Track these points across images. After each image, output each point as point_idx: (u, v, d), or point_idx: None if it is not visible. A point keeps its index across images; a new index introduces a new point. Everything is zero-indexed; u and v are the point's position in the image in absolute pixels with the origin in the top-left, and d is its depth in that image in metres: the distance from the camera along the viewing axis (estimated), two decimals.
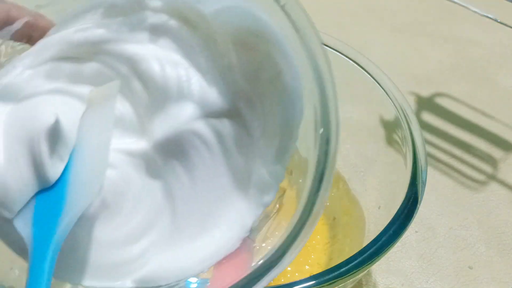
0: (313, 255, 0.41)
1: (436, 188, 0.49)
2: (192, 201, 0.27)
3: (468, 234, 0.45)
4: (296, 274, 0.40)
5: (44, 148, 0.24)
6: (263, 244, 0.27)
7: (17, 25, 0.26)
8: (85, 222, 0.26)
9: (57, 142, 0.24)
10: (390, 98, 0.37)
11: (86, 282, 0.27)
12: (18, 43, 0.27)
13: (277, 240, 0.24)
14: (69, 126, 0.24)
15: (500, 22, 0.69)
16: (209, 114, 0.26)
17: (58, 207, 0.23)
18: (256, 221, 0.28)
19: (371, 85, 0.39)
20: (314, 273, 0.29)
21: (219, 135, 0.27)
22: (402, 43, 0.65)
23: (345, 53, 0.40)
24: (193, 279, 0.28)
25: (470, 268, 0.43)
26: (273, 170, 0.27)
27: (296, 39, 0.24)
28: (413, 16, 0.70)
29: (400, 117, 0.36)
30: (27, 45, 0.28)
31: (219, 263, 0.27)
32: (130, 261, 0.27)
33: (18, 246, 0.25)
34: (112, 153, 0.27)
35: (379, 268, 0.42)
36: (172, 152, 0.27)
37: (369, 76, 0.39)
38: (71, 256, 0.26)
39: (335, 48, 0.40)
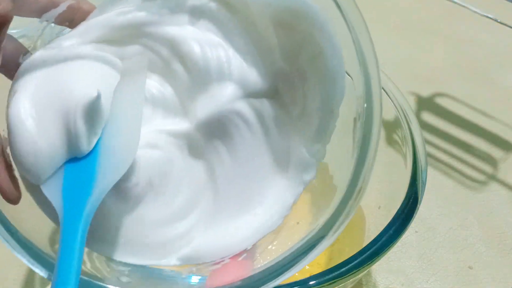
0: None
1: (436, 188, 0.49)
2: (234, 180, 0.28)
3: (468, 234, 0.45)
4: (296, 274, 0.40)
5: (80, 121, 0.23)
6: (270, 246, 0.28)
7: (61, 8, 0.26)
8: (131, 202, 0.26)
9: (94, 118, 0.24)
10: (390, 98, 0.37)
11: (134, 260, 0.27)
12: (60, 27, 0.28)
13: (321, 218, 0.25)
14: (106, 99, 0.24)
15: (500, 22, 0.69)
16: (250, 94, 0.27)
17: (89, 178, 0.23)
18: (297, 199, 0.28)
19: None
20: (314, 273, 0.29)
21: (259, 115, 0.27)
22: (402, 43, 0.65)
23: None
24: (195, 278, 0.28)
25: (470, 268, 0.43)
26: (313, 149, 0.28)
27: (338, 17, 0.24)
28: (414, 16, 0.70)
29: (400, 117, 0.36)
30: (68, 29, 0.28)
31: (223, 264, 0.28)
32: (175, 239, 0.27)
33: (50, 212, 0.25)
34: (155, 134, 0.27)
35: (379, 268, 0.42)
36: (214, 131, 0.27)
37: None
38: (119, 236, 0.27)
39: None
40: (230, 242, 0.28)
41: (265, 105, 0.27)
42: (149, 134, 0.27)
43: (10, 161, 0.25)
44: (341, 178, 0.25)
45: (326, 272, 0.28)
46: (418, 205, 0.32)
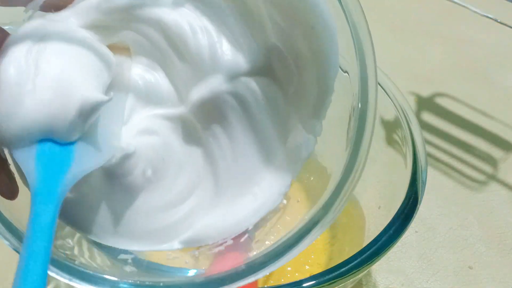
0: (313, 255, 0.41)
1: (436, 188, 0.49)
2: (233, 161, 0.28)
3: (468, 234, 0.45)
4: (296, 274, 0.40)
5: (76, 117, 0.23)
6: (267, 242, 0.28)
7: None
8: (132, 190, 0.27)
9: (90, 118, 0.23)
10: (390, 98, 0.37)
11: (136, 247, 0.27)
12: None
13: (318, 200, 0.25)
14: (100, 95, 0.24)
15: (500, 22, 0.69)
16: (243, 73, 0.27)
17: (64, 162, 0.23)
18: (296, 176, 0.28)
19: None
20: (314, 273, 0.29)
21: (254, 94, 0.27)
22: (402, 43, 0.65)
23: None
24: (192, 271, 0.28)
25: (470, 268, 0.43)
26: (309, 125, 0.28)
27: (336, 7, 0.24)
28: (413, 16, 0.70)
29: (400, 117, 0.36)
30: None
31: (219, 256, 0.28)
32: (176, 223, 0.28)
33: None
34: (151, 119, 0.27)
35: (379, 268, 0.42)
36: (209, 114, 0.27)
37: None
38: (121, 224, 0.27)
39: None
40: (231, 222, 0.28)
41: (260, 84, 0.27)
42: (145, 120, 0.27)
43: (4, 156, 0.25)
44: (335, 169, 0.25)
45: (326, 272, 0.28)
46: (418, 205, 0.32)
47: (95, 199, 0.27)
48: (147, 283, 0.25)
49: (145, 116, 0.27)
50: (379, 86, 0.38)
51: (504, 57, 0.64)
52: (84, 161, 0.24)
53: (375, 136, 0.39)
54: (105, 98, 0.23)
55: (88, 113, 0.23)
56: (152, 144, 0.27)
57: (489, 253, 0.44)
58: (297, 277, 0.39)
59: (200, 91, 0.27)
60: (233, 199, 0.28)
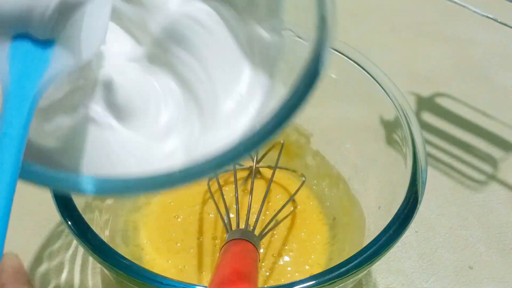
0: (313, 255, 0.41)
1: (436, 188, 0.49)
2: (208, 80, 0.28)
3: (468, 234, 0.45)
4: (296, 274, 0.40)
5: (53, 12, 0.21)
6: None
7: None
8: (114, 129, 0.26)
9: (68, 12, 0.21)
10: (390, 98, 0.37)
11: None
12: None
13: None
14: None
15: (500, 22, 0.69)
16: None
17: (43, 58, 0.21)
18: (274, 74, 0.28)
19: (371, 85, 0.39)
20: (314, 273, 0.29)
21: (210, 13, 0.27)
22: (402, 43, 0.65)
23: (345, 53, 0.40)
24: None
25: (470, 268, 0.43)
26: (269, 26, 0.28)
27: None
28: (413, 16, 0.70)
29: (400, 117, 0.36)
30: None
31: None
32: (162, 158, 0.27)
33: None
34: (118, 61, 0.27)
35: (379, 268, 0.42)
36: (173, 42, 0.27)
37: (369, 76, 0.39)
38: (105, 165, 0.25)
39: (335, 48, 0.40)
40: (229, 134, 0.27)
41: (212, 5, 0.27)
42: (112, 64, 0.27)
43: None
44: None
45: (326, 272, 0.28)
46: (418, 205, 0.32)
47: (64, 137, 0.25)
48: None
49: (112, 61, 0.27)
50: (379, 86, 0.38)
51: (504, 57, 0.64)
52: (62, 61, 0.22)
53: (375, 136, 0.39)
54: None
55: (71, 5, 0.21)
56: (121, 84, 0.26)
57: (489, 253, 0.44)
58: (297, 277, 0.39)
59: (158, 22, 0.27)
60: (221, 114, 0.28)
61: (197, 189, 0.45)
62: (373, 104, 0.40)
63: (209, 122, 0.28)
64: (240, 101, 0.28)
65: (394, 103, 0.37)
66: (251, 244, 0.32)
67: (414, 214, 0.31)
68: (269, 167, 0.47)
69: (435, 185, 0.49)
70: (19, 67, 0.20)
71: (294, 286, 0.28)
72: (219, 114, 0.28)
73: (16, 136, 0.19)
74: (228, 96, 0.28)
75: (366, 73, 0.39)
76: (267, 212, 0.44)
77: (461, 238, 0.45)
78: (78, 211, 0.30)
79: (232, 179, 0.46)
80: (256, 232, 0.36)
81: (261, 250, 0.41)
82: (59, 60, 0.22)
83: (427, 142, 0.52)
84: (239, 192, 0.44)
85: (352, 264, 0.29)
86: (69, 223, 0.30)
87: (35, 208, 0.44)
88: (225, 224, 0.39)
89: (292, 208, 0.44)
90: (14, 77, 0.20)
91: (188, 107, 0.28)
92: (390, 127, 0.38)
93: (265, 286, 0.38)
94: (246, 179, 0.46)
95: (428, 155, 0.51)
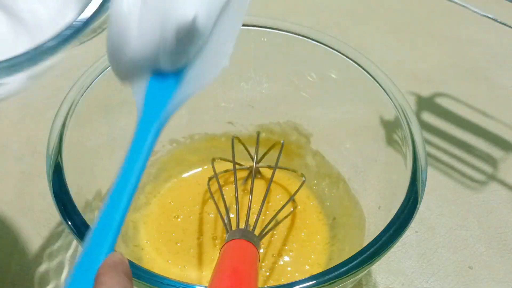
0: (313, 255, 0.41)
1: (436, 188, 0.49)
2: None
3: (468, 234, 0.45)
4: (296, 274, 0.40)
5: (173, 41, 0.23)
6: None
7: None
8: None
9: (189, 41, 0.24)
10: (390, 98, 0.37)
11: None
12: None
13: None
14: (208, 20, 0.24)
15: (500, 22, 0.69)
16: None
17: (169, 90, 0.24)
18: None
19: (371, 85, 0.39)
20: (314, 273, 0.29)
21: None
22: (402, 43, 0.65)
23: (345, 53, 0.40)
24: None
25: (470, 268, 0.43)
26: None
27: None
28: (413, 16, 0.70)
29: (400, 117, 0.36)
30: None
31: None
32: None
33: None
34: None
35: (379, 268, 0.42)
36: None
37: (369, 76, 0.39)
38: None
39: (335, 48, 0.40)
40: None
41: None
42: None
43: None
44: None
45: (326, 272, 0.28)
46: (418, 205, 0.32)
47: None
48: None
49: None
50: (379, 86, 0.38)
51: (504, 57, 0.64)
52: (191, 85, 0.25)
53: (375, 136, 0.39)
54: (192, 15, 0.23)
55: (187, 36, 0.23)
56: None
57: (489, 253, 0.44)
58: (297, 277, 0.39)
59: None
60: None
61: (197, 189, 0.45)
62: (373, 104, 0.40)
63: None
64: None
65: (394, 103, 0.37)
66: (251, 244, 0.32)
67: (414, 214, 0.31)
68: (269, 167, 0.47)
69: (435, 185, 0.49)
70: (151, 98, 0.24)
71: (294, 286, 0.28)
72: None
73: (144, 149, 0.23)
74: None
75: (366, 73, 0.39)
76: (267, 212, 0.44)
77: (461, 238, 0.45)
78: (78, 211, 0.30)
79: (232, 179, 0.46)
80: (256, 232, 0.36)
81: (261, 250, 0.41)
82: (189, 81, 0.24)
83: (427, 142, 0.52)
84: (239, 192, 0.44)
85: (352, 264, 0.29)
86: (69, 223, 0.30)
87: (35, 208, 0.44)
88: (225, 224, 0.39)
89: (292, 208, 0.44)
90: (145, 108, 0.24)
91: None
92: (390, 127, 0.38)
93: (265, 286, 0.38)
94: (246, 179, 0.46)
95: (428, 155, 0.51)
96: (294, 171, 0.46)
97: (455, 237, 0.45)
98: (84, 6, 0.27)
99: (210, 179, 0.45)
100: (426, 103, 0.57)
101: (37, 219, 0.44)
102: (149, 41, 0.23)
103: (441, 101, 0.58)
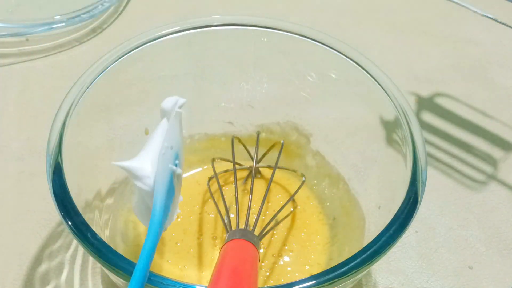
0: (313, 255, 0.41)
1: (436, 188, 0.49)
2: None
3: (468, 234, 0.45)
4: (296, 274, 0.40)
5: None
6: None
7: None
8: None
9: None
10: (390, 98, 0.37)
11: None
12: None
13: None
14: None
15: (500, 22, 0.69)
16: None
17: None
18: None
19: (371, 85, 0.39)
20: (314, 273, 0.29)
21: None
22: (402, 43, 0.65)
23: (345, 53, 0.40)
24: None
25: (470, 268, 0.43)
26: None
27: None
28: (413, 16, 0.70)
29: (400, 117, 0.36)
30: None
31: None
32: None
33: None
34: None
35: (379, 268, 0.42)
36: None
37: (369, 76, 0.39)
38: None
39: (335, 48, 0.40)
40: None
41: None
42: None
43: None
44: None
45: (326, 272, 0.28)
46: (418, 205, 0.32)
47: None
48: None
49: None
50: (379, 86, 0.38)
51: (504, 57, 0.64)
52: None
53: (375, 136, 0.39)
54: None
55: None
56: None
57: (489, 253, 0.44)
58: (297, 277, 0.39)
59: None
60: None
61: (197, 189, 0.45)
62: (373, 104, 0.40)
63: None
64: None
65: (394, 103, 0.37)
66: (251, 244, 0.32)
67: (414, 214, 0.31)
68: (269, 167, 0.47)
69: (435, 185, 0.49)
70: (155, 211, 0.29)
71: (294, 286, 0.28)
72: None
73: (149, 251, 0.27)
74: None
75: (366, 73, 0.39)
76: (267, 212, 0.44)
77: (461, 238, 0.45)
78: (78, 211, 0.30)
79: (232, 179, 0.46)
80: (256, 232, 0.36)
81: (261, 250, 0.41)
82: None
83: (427, 142, 0.52)
84: (239, 192, 0.43)
85: (352, 264, 0.29)
86: (69, 223, 0.30)
87: (35, 208, 0.44)
88: (225, 224, 0.39)
89: (292, 208, 0.44)
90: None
91: None
92: (390, 127, 0.38)
93: (265, 286, 0.38)
94: (246, 179, 0.46)
95: (428, 155, 0.51)
96: (294, 171, 0.46)
97: (455, 237, 0.45)
98: None
99: (210, 179, 0.45)
100: (426, 103, 0.57)
101: (37, 219, 0.44)
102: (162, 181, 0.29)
103: (441, 101, 0.58)
